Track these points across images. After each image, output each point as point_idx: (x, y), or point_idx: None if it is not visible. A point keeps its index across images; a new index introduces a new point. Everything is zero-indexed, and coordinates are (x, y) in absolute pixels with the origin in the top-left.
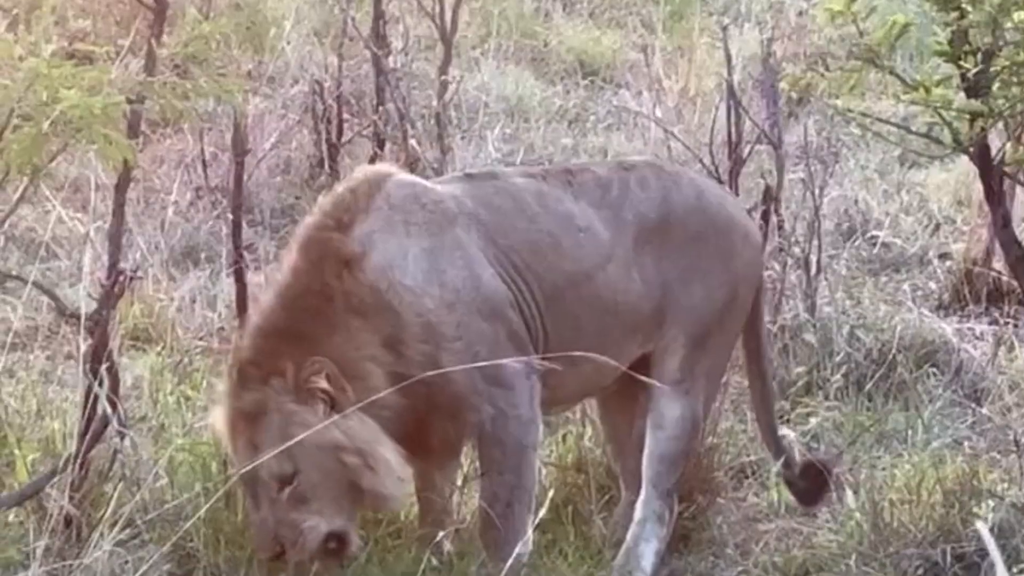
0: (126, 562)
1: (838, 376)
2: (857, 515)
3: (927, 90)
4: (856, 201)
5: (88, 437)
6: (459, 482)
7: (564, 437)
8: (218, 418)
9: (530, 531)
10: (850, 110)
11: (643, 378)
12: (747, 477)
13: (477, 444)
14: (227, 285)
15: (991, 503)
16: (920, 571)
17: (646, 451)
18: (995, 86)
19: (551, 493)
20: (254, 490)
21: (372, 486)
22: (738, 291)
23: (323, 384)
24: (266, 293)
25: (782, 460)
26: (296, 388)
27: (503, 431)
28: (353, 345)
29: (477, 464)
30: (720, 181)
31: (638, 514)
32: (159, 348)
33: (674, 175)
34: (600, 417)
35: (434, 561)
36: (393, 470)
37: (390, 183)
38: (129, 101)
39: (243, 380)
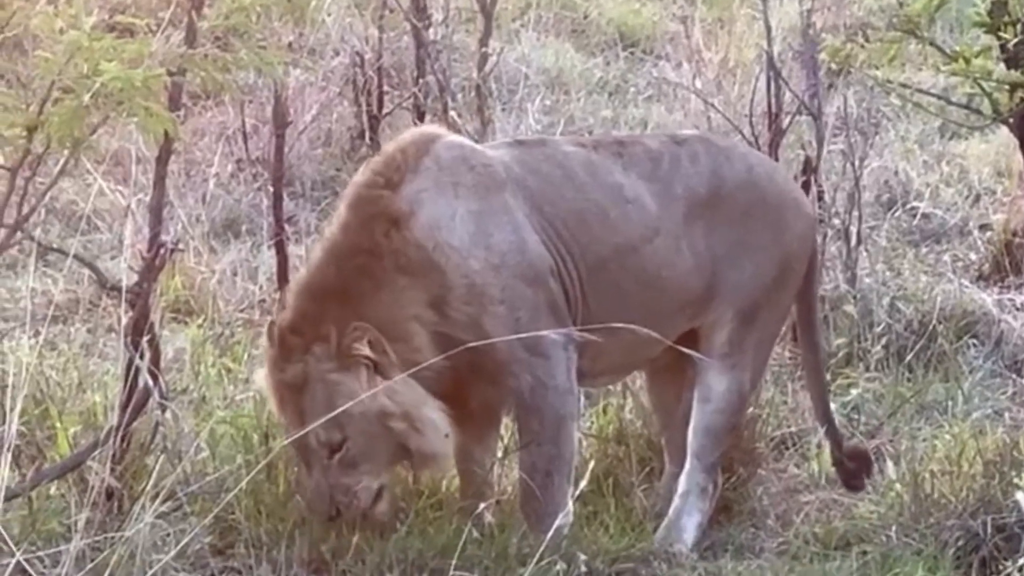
0: (167, 535)
1: (878, 347)
2: (898, 486)
3: (967, 61)
4: (896, 172)
5: (129, 410)
6: (499, 454)
7: (605, 408)
8: (263, 380)
9: (570, 502)
10: (890, 81)
11: (690, 352)
12: (788, 448)
13: (516, 415)
14: (268, 257)
15: None
16: (960, 542)
17: (692, 424)
18: None
19: (591, 465)
20: (306, 457)
21: (419, 447)
22: (789, 265)
23: (365, 351)
24: (315, 249)
25: (832, 437)
26: (338, 355)
27: (542, 401)
28: (398, 304)
29: (517, 436)
30: (760, 151)
31: (682, 487)
32: (200, 320)
33: (725, 149)
34: (648, 389)
35: (475, 533)
36: (439, 429)
37: (439, 144)
38: (170, 73)
39: (285, 351)
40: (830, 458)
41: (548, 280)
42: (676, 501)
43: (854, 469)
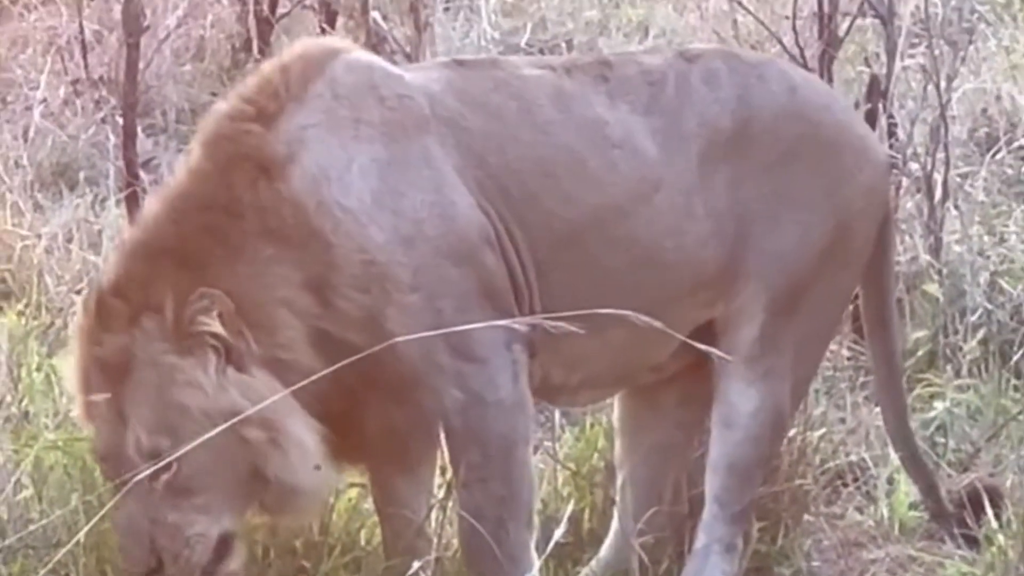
0: None
1: (973, 343)
2: (1000, 538)
3: None
4: (998, 97)
5: None
6: (441, 494)
7: (589, 427)
8: (71, 369)
9: (535, 558)
10: None
11: (705, 348)
12: (846, 485)
13: (447, 442)
14: (116, 217)
15: None
16: None
17: (710, 457)
18: None
19: (570, 508)
20: (120, 476)
21: (279, 473)
22: (850, 230)
23: (215, 326)
24: (152, 200)
25: (919, 473)
26: (176, 332)
27: (479, 423)
28: (262, 281)
29: (451, 471)
30: (807, 69)
31: (699, 540)
32: (21, 306)
33: (756, 66)
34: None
35: None
36: (308, 454)
37: (338, 64)
38: None
39: (104, 318)
40: (928, 506)
41: (483, 254)
42: (691, 562)
43: (959, 516)
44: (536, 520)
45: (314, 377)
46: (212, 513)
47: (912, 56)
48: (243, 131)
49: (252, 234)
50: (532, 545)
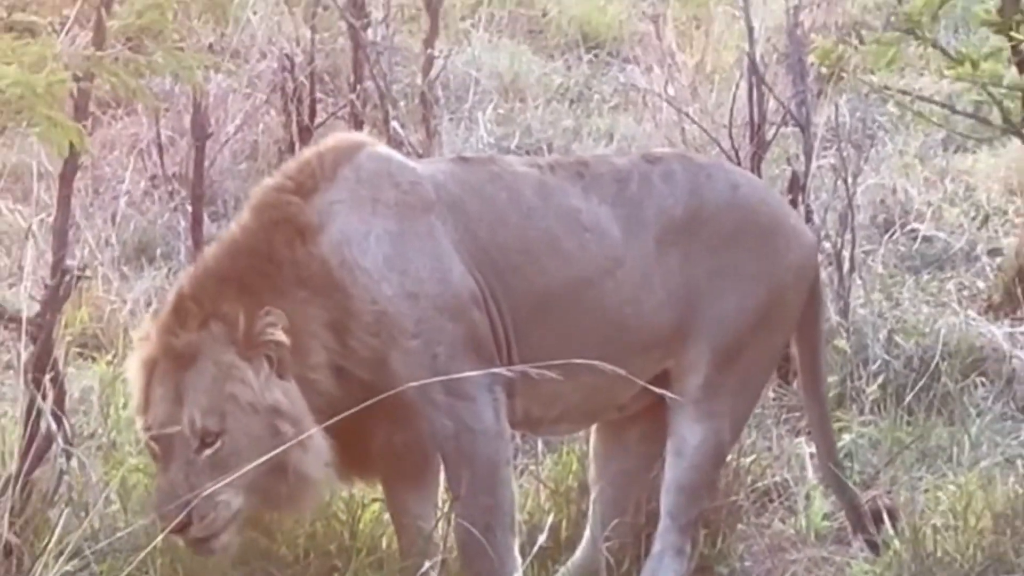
0: None
1: (874, 387)
2: (896, 543)
3: (974, 64)
4: (894, 190)
5: (30, 456)
6: (445, 507)
7: (565, 453)
8: (133, 364)
9: (519, 559)
10: (887, 87)
11: (661, 391)
12: (772, 501)
13: (443, 464)
14: None
15: None
16: None
17: (664, 479)
18: None
19: (550, 519)
20: (168, 447)
21: (298, 464)
22: (782, 300)
23: (280, 336)
24: (209, 248)
25: (846, 498)
26: (246, 340)
27: (470, 447)
28: (298, 315)
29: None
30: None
31: (655, 546)
32: (110, 356)
33: (705, 167)
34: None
35: None
36: (322, 453)
37: (363, 154)
38: (76, 79)
39: (181, 316)
40: (849, 519)
41: (471, 312)
42: (648, 564)
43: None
44: (522, 528)
45: (342, 415)
46: (237, 488)
47: (825, 157)
48: (285, 201)
49: (289, 281)
50: (516, 547)
